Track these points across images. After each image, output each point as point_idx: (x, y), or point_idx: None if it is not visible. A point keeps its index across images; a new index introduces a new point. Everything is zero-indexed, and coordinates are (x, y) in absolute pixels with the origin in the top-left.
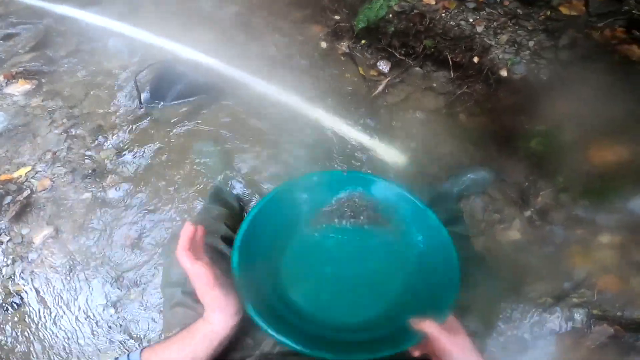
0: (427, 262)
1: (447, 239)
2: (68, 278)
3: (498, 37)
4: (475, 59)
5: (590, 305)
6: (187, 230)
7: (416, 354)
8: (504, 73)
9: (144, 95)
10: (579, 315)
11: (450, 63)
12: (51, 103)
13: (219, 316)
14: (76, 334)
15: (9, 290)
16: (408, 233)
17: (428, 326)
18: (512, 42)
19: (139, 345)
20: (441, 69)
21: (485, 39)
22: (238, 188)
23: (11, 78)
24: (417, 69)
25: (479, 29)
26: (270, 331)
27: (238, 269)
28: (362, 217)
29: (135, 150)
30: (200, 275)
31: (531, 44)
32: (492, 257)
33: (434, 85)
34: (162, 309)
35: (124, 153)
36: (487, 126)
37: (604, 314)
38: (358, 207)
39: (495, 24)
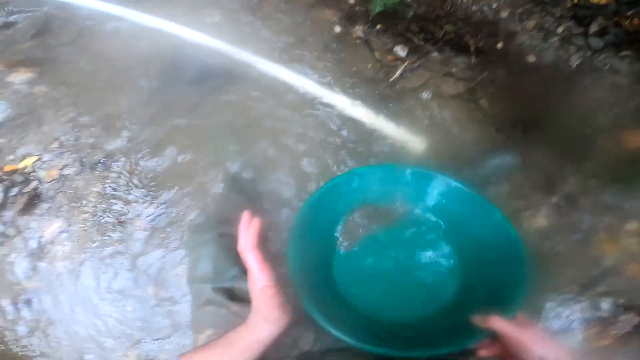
0: (489, 259)
1: (513, 234)
2: (81, 272)
3: (524, 23)
4: (499, 45)
5: (617, 293)
6: (255, 224)
7: (484, 353)
8: (531, 59)
9: (153, 82)
10: (605, 304)
11: (472, 49)
12: (56, 91)
13: (269, 327)
14: (90, 330)
15: (20, 287)
16: (465, 228)
17: (495, 322)
18: (540, 28)
19: (154, 341)
20: (461, 55)
21: (510, 25)
22: (254, 175)
23: (12, 67)
24: (436, 54)
25: (504, 14)
26: (329, 328)
27: (294, 262)
28: (414, 214)
29: (146, 137)
30: (265, 279)
31: (559, 30)
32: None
33: (454, 70)
34: (184, 306)
35: (134, 141)
36: (511, 112)
37: (631, 302)
38: (411, 204)
39: (520, 10)
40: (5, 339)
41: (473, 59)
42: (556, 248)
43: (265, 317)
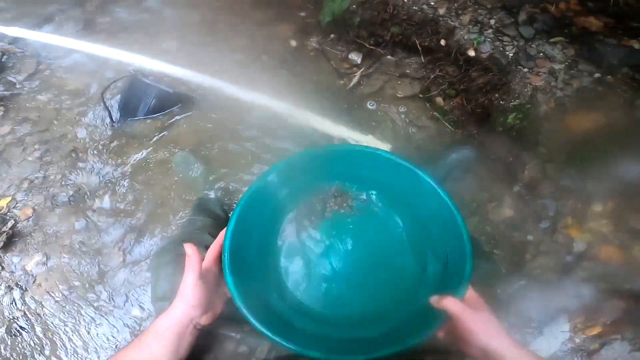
0: (434, 236)
1: (448, 204)
2: (65, 300)
3: (460, 18)
4: (443, 42)
5: (597, 278)
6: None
7: (440, 335)
8: (471, 53)
9: (114, 113)
10: (586, 290)
11: (419, 48)
12: (21, 129)
13: (179, 304)
14: (78, 357)
15: (12, 316)
16: (408, 206)
17: (449, 303)
18: (475, 21)
19: None
20: (412, 55)
21: (448, 21)
22: (221, 196)
23: None
24: (389, 57)
25: (441, 11)
26: (261, 328)
27: (230, 268)
28: (355, 200)
29: (112, 169)
30: (197, 261)
31: (492, 22)
32: (487, 236)
33: (408, 71)
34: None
35: (101, 173)
36: (464, 106)
37: (612, 287)
38: (350, 188)
39: (455, 4)
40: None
41: (423, 58)
42: (526, 237)
43: (178, 296)
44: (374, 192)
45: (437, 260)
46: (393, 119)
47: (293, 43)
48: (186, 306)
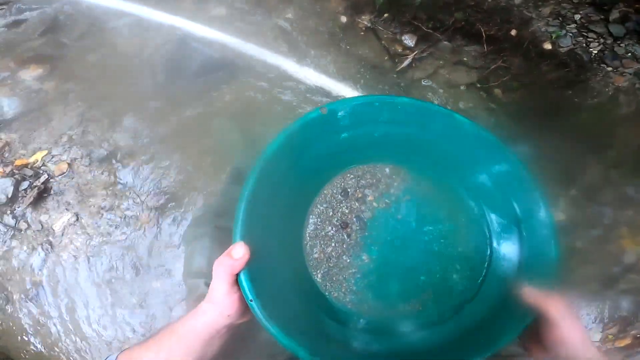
0: (505, 214)
1: (524, 174)
2: (90, 266)
3: (540, 10)
4: (513, 32)
5: (639, 292)
6: (244, 258)
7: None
8: (547, 46)
9: (159, 76)
10: (626, 302)
11: (484, 36)
12: (65, 86)
13: (210, 310)
14: (97, 324)
15: (30, 281)
16: (470, 177)
17: (551, 303)
18: (556, 15)
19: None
20: (473, 43)
21: (524, 12)
22: None
23: (23, 64)
24: (446, 42)
25: (517, 1)
26: (271, 329)
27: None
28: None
29: (152, 131)
30: (220, 270)
31: (577, 17)
32: None
33: (465, 59)
34: (184, 299)
35: (141, 134)
36: (527, 101)
37: None
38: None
39: None
40: (13, 332)
41: (486, 47)
42: (575, 244)
43: (208, 299)
44: (424, 162)
45: (510, 243)
46: (443, 105)
47: (343, 19)
48: (219, 315)
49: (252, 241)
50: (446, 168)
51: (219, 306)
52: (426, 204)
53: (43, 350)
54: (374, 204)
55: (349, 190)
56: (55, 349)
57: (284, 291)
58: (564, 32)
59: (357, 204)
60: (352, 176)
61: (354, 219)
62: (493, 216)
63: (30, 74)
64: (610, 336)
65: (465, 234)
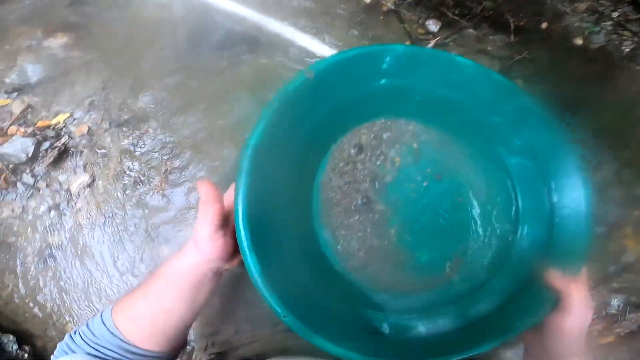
0: (534, 185)
1: (566, 144)
2: (103, 228)
3: (575, 5)
4: (544, 25)
5: (631, 291)
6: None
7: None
8: (578, 42)
9: (180, 47)
10: (616, 301)
11: (512, 27)
12: (90, 55)
13: (193, 253)
14: (109, 287)
15: (45, 241)
16: (502, 140)
17: (575, 289)
18: (592, 11)
19: None
20: (499, 33)
21: (558, 6)
22: None
23: (50, 32)
24: (471, 30)
25: None
26: (275, 306)
27: (246, 214)
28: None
29: (172, 99)
30: (204, 212)
31: (615, 15)
32: None
33: (489, 48)
34: None
35: (160, 102)
36: (549, 93)
37: None
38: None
39: None
40: (23, 295)
41: (512, 38)
42: None
43: (199, 249)
44: (449, 122)
45: (540, 218)
46: None
47: (366, 0)
48: (202, 259)
49: (257, 186)
50: (476, 133)
51: (201, 250)
52: (450, 167)
53: (53, 313)
54: (394, 164)
55: (364, 146)
56: (64, 311)
57: (293, 264)
58: (598, 28)
59: (374, 163)
60: (369, 131)
61: (372, 181)
62: (524, 186)
63: (56, 42)
64: (594, 333)
65: (494, 202)
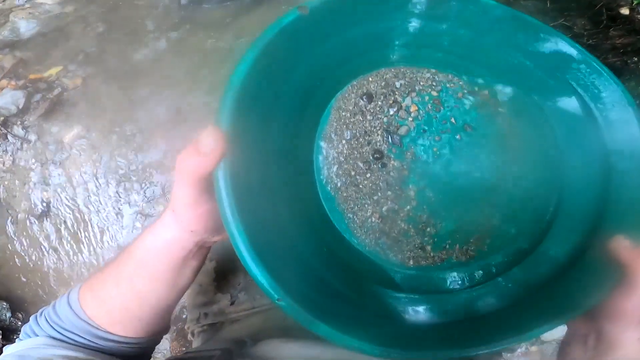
0: (586, 151)
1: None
2: (97, 181)
3: None
4: None
5: None
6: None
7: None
8: (624, 11)
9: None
10: None
11: None
12: (85, 9)
13: (170, 222)
14: (103, 242)
15: (36, 197)
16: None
17: (626, 249)
18: None
19: None
20: None
21: None
22: None
23: None
24: None
25: None
26: (262, 280)
27: (227, 172)
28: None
29: (173, 54)
30: (183, 169)
31: None
32: None
33: (523, 12)
34: None
35: (160, 53)
36: None
37: None
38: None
39: None
40: (15, 259)
41: (548, 4)
42: None
43: (177, 217)
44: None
45: (592, 178)
46: None
47: None
48: (182, 230)
49: (242, 135)
50: (508, 79)
51: (181, 220)
52: (478, 119)
53: (46, 276)
54: (411, 113)
55: (374, 95)
56: (57, 274)
57: (291, 234)
58: None
59: (387, 112)
60: (379, 79)
61: (385, 132)
62: (570, 138)
63: None
64: None
65: (534, 158)
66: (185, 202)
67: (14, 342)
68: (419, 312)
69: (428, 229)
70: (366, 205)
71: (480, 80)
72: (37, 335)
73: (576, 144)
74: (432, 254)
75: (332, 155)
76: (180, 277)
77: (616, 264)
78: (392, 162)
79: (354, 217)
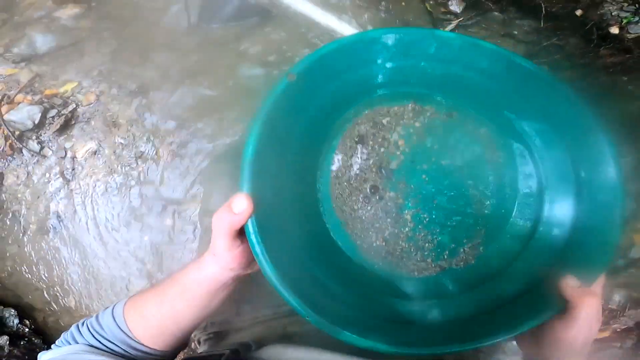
0: (560, 177)
1: (594, 122)
2: (108, 196)
3: None
4: (578, 12)
5: (634, 287)
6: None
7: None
8: (614, 31)
9: (192, 18)
10: (618, 296)
11: (543, 12)
12: (100, 25)
13: (211, 264)
14: (112, 257)
15: (50, 210)
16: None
17: (587, 301)
18: (633, 1)
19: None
20: (527, 18)
21: None
22: None
23: (61, 3)
24: (497, 13)
25: None
26: (284, 292)
27: (255, 222)
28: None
29: (182, 69)
30: (220, 224)
31: None
32: None
33: (515, 32)
34: (196, 238)
35: (170, 72)
36: (576, 80)
37: None
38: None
39: None
40: (25, 268)
41: (542, 23)
42: None
43: (211, 251)
44: (464, 103)
45: (564, 194)
46: None
47: None
48: (221, 269)
49: (261, 192)
50: (480, 104)
51: (221, 260)
52: (459, 144)
53: (55, 285)
54: (399, 147)
55: (364, 136)
56: (66, 284)
57: (309, 264)
58: (637, 18)
59: (378, 150)
60: (367, 120)
61: (379, 169)
62: (546, 169)
63: (66, 13)
64: None
65: (512, 176)
66: (223, 247)
67: (21, 348)
68: (424, 315)
69: (427, 245)
70: (370, 232)
71: (456, 109)
72: (77, 343)
73: (552, 165)
74: (432, 265)
75: (335, 195)
76: (212, 304)
77: (558, 297)
78: (388, 193)
79: (362, 243)
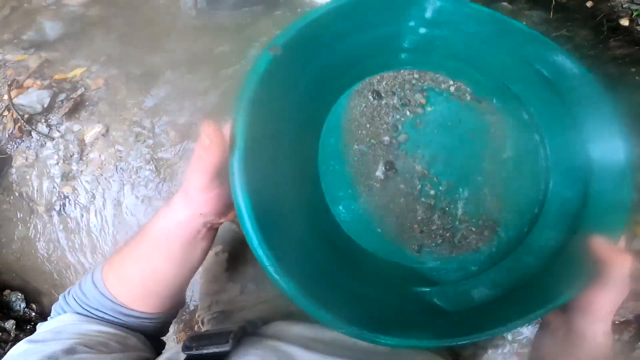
0: (569, 144)
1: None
2: (115, 177)
3: None
4: (589, 4)
5: (632, 280)
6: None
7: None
8: (624, 22)
9: (200, 3)
10: None
11: (553, 3)
12: (108, 11)
13: (181, 207)
14: (121, 238)
15: (58, 192)
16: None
17: (620, 262)
18: None
19: None
20: (537, 9)
21: None
22: None
23: None
24: (506, 4)
25: None
26: (271, 270)
27: (243, 150)
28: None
29: (189, 56)
30: (200, 158)
31: None
32: None
33: (524, 22)
34: None
35: (178, 57)
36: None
37: None
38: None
39: None
40: (33, 250)
41: (552, 14)
42: None
43: (189, 200)
44: (471, 78)
45: (570, 181)
46: None
47: None
48: (193, 213)
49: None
50: (497, 81)
51: (192, 203)
52: (478, 116)
53: (62, 269)
54: (419, 117)
55: (382, 93)
56: (73, 267)
57: (304, 239)
58: None
59: (392, 114)
60: (384, 81)
61: (394, 129)
62: (554, 144)
63: (75, 1)
64: None
65: (518, 163)
66: (198, 186)
67: (28, 332)
68: (454, 299)
69: (445, 221)
70: (384, 218)
71: (482, 86)
72: (66, 312)
73: (558, 137)
74: (450, 244)
75: (343, 162)
76: (191, 257)
77: (592, 261)
78: (401, 162)
79: (376, 228)
